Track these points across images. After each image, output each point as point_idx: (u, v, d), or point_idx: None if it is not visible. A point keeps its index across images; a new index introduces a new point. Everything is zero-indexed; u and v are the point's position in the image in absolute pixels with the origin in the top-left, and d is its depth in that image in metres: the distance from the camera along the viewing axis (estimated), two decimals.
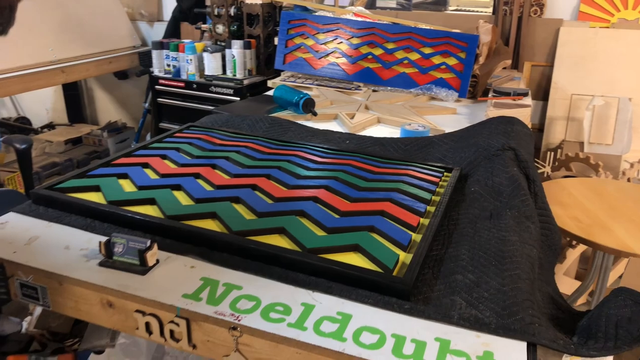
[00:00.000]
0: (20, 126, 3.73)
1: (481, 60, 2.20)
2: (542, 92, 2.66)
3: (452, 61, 2.16)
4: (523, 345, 0.75)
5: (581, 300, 2.03)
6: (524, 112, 1.77)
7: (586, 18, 2.53)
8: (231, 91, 2.58)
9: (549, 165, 2.44)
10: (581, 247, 2.09)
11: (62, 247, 0.98)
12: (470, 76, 2.12)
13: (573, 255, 2.10)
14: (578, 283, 2.08)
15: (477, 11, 3.51)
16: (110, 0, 3.26)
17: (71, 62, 2.83)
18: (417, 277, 0.87)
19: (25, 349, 1.11)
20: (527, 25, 2.58)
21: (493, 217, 1.11)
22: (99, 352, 1.07)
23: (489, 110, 1.82)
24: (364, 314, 0.81)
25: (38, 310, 1.18)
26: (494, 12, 2.72)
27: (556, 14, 2.59)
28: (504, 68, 2.43)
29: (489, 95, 2.09)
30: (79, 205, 1.09)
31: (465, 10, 3.56)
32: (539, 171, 2.43)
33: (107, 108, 3.91)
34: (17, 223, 1.07)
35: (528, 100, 1.98)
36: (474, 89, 2.18)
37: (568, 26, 2.54)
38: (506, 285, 0.87)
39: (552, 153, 2.54)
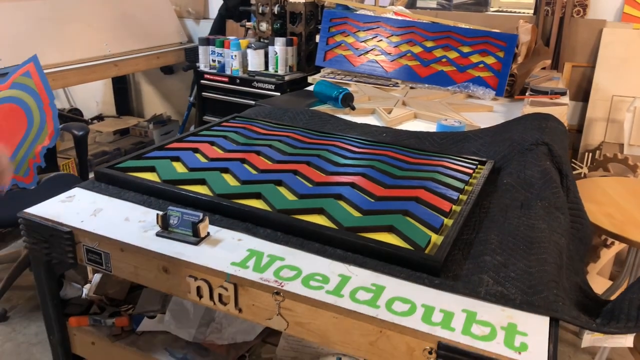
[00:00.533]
0: (73, 117, 3.95)
1: (520, 59, 2.22)
2: (582, 93, 2.64)
3: (490, 60, 2.18)
4: (546, 319, 0.80)
5: (613, 297, 2.02)
6: (560, 110, 1.79)
7: (630, 19, 2.50)
8: (272, 87, 2.68)
9: (586, 166, 2.43)
10: (616, 248, 2.08)
11: (123, 219, 1.09)
12: (508, 75, 2.15)
13: (607, 255, 2.09)
14: (611, 283, 2.07)
15: (519, 12, 3.49)
16: None
17: (123, 57, 2.99)
18: (447, 257, 0.93)
19: (86, 311, 1.23)
20: (569, 25, 2.57)
21: (524, 207, 1.15)
22: (152, 317, 1.17)
23: (525, 108, 1.84)
24: (396, 286, 0.88)
25: (96, 278, 1.29)
26: (535, 13, 2.71)
27: (599, 15, 2.57)
28: (543, 68, 2.43)
29: (527, 94, 2.11)
30: (136, 183, 1.19)
31: (507, 12, 3.55)
32: (576, 172, 2.42)
33: (152, 101, 4.09)
34: (83, 197, 1.18)
35: (565, 99, 1.99)
36: (511, 88, 2.20)
37: (611, 27, 2.51)
38: (533, 268, 0.92)
39: (590, 154, 2.52)
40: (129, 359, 1.18)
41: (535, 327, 0.78)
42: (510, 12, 3.52)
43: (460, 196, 1.19)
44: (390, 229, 1.02)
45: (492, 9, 3.66)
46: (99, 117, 4.05)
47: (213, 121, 2.96)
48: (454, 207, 1.13)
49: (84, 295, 1.28)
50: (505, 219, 1.10)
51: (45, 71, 2.23)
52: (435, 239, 1.00)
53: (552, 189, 1.20)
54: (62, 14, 2.76)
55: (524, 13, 3.39)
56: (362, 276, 0.90)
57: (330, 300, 0.84)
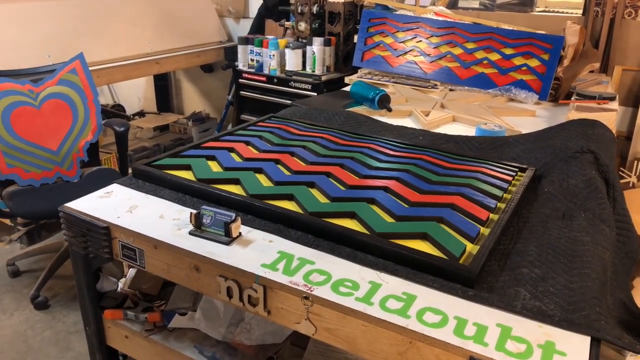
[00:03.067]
0: (116, 112, 4.07)
1: (565, 62, 2.14)
2: (632, 98, 2.52)
3: (534, 63, 2.11)
4: (586, 339, 0.76)
5: None
6: (609, 116, 1.71)
7: None
8: (309, 86, 2.68)
9: (635, 174, 2.32)
10: None
11: (157, 216, 1.10)
12: (552, 78, 2.07)
13: None
14: None
15: (566, 12, 3.37)
16: None
17: (165, 55, 3.06)
18: (483, 267, 0.90)
19: (120, 305, 1.26)
20: (619, 27, 2.45)
21: (565, 218, 1.10)
22: (183, 314, 1.18)
23: (570, 113, 1.77)
24: (428, 295, 0.85)
25: (131, 272, 1.32)
26: (584, 13, 2.61)
27: None
28: (591, 71, 2.34)
29: (572, 98, 2.03)
30: (172, 181, 1.21)
31: (553, 12, 3.43)
32: (624, 181, 2.31)
33: (192, 98, 4.16)
34: (120, 193, 1.21)
35: (614, 105, 1.90)
36: (556, 91, 2.12)
37: None
38: (574, 283, 0.87)
39: None
40: (159, 353, 1.20)
41: (574, 347, 0.74)
42: (557, 12, 3.40)
43: (499, 204, 1.15)
44: (424, 237, 1.00)
45: (537, 9, 3.55)
46: (140, 113, 4.16)
47: (250, 120, 3.00)
48: (491, 215, 1.10)
49: (119, 289, 1.31)
50: (545, 229, 1.05)
51: (90, 68, 2.30)
52: (471, 248, 0.97)
53: (597, 200, 1.15)
54: (108, 13, 2.84)
55: (571, 13, 3.27)
56: (393, 284, 0.89)
57: (359, 307, 0.82)
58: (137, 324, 1.22)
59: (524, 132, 1.68)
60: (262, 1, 3.22)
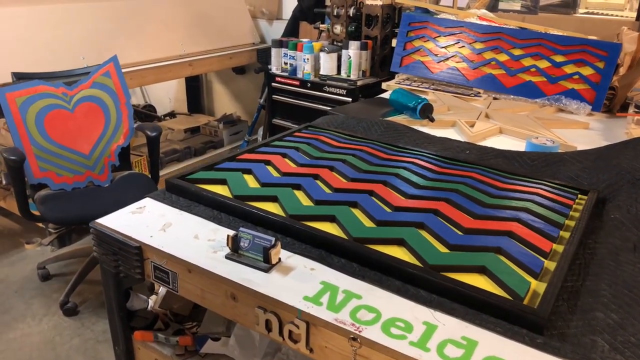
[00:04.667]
0: (147, 113, 4.07)
1: (621, 71, 2.00)
2: None
3: (587, 71, 1.98)
4: None
5: None
6: None
7: None
8: (344, 92, 2.59)
9: None
10: None
11: (192, 236, 1.04)
12: (607, 88, 1.94)
13: None
14: None
15: (611, 15, 3.20)
16: None
17: (197, 57, 3.02)
18: (552, 310, 0.80)
19: (151, 325, 1.20)
20: None
21: (637, 250, 0.99)
22: (216, 339, 1.12)
23: (630, 127, 1.64)
24: (491, 341, 0.76)
25: (163, 291, 1.27)
26: (638, 18, 2.45)
27: None
28: None
29: (630, 110, 1.89)
30: (207, 197, 1.14)
31: (597, 14, 3.26)
32: None
33: (223, 100, 4.13)
34: (153, 208, 1.15)
35: None
36: (610, 102, 1.99)
37: None
38: None
39: None
40: None
41: None
42: (600, 14, 3.23)
43: (561, 232, 1.05)
44: (482, 270, 0.91)
45: (580, 11, 3.38)
46: (171, 114, 4.15)
47: (283, 125, 2.94)
48: (554, 246, 0.99)
49: (149, 307, 1.25)
50: (617, 264, 0.95)
51: (123, 70, 2.27)
52: (535, 285, 0.88)
53: None
54: (141, 14, 2.82)
55: (617, 16, 3.11)
56: (450, 326, 0.80)
57: (414, 353, 0.74)
58: (168, 347, 1.17)
59: (579, 147, 1.56)
60: (296, 3, 3.15)
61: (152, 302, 1.26)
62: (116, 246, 1.05)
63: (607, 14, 3.19)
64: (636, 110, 1.84)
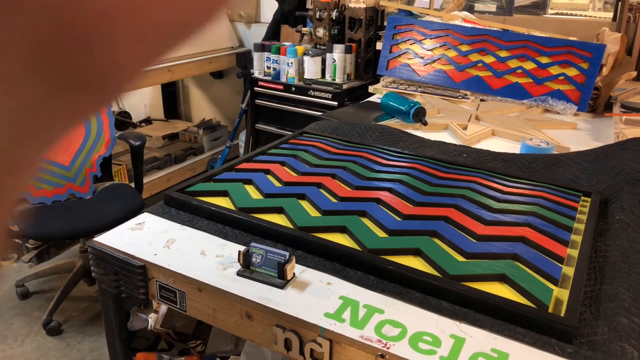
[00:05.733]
0: (122, 120, 3.95)
1: (605, 71, 2.04)
2: None
3: (572, 72, 2.01)
4: None
5: None
6: None
7: None
8: (330, 95, 2.57)
9: None
10: None
11: (198, 252, 1.00)
12: (592, 88, 1.97)
13: None
14: None
15: (576, 15, 3.29)
16: None
17: (176, 62, 2.95)
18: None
19: (153, 346, 1.15)
20: None
21: None
22: (224, 358, 1.08)
23: (620, 127, 1.67)
24: (521, 352, 0.75)
25: (163, 308, 1.21)
26: (614, 19, 2.51)
27: None
28: (626, 80, 2.24)
29: (615, 110, 1.93)
30: (211, 211, 1.10)
31: (563, 14, 3.34)
32: None
33: (201, 106, 4.05)
34: (153, 224, 1.10)
35: None
36: (594, 102, 2.02)
37: None
38: None
39: None
40: None
41: None
42: (567, 14, 3.32)
43: (572, 236, 1.05)
44: (502, 278, 0.89)
45: (550, 12, 3.46)
46: (147, 121, 4.05)
47: (266, 130, 2.90)
48: (568, 250, 0.99)
49: (150, 326, 1.20)
50: (630, 266, 0.95)
51: None
52: (557, 292, 0.87)
53: None
54: None
55: (580, 16, 3.19)
56: (477, 338, 0.78)
57: None
58: None
59: (572, 147, 1.58)
60: (277, 6, 3.11)
61: (152, 320, 1.20)
62: (117, 266, 1.00)
63: (573, 14, 3.28)
64: (622, 109, 1.87)
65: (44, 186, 2.01)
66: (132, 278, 0.99)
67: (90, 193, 2.10)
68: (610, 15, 2.69)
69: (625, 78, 2.15)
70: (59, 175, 2.05)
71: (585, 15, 3.26)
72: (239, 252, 0.93)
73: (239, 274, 0.93)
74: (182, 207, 1.15)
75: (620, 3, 2.44)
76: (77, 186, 2.08)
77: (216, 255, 0.99)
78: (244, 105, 3.08)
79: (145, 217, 1.13)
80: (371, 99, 2.23)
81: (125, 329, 1.10)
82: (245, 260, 0.93)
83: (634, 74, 2.18)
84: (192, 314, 0.96)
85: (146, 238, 1.05)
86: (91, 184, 2.10)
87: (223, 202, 1.15)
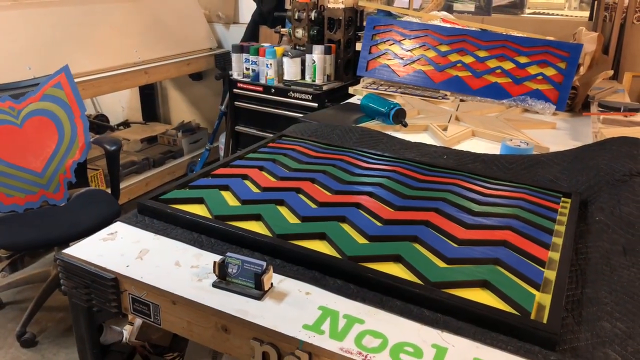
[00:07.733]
0: (100, 123, 3.87)
1: (582, 71, 2.05)
2: None
3: (550, 72, 2.02)
4: None
5: None
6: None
7: None
8: (310, 97, 2.54)
9: None
10: None
11: (173, 263, 0.96)
12: (570, 88, 1.98)
13: None
14: None
15: (552, 14, 3.32)
16: (190, 3, 3.31)
17: (153, 64, 2.89)
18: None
19: None
20: (630, 32, 2.38)
21: (628, 253, 0.99)
22: None
23: (597, 126, 1.68)
24: None
25: (139, 321, 1.17)
26: (591, 18, 2.53)
27: None
28: (603, 79, 2.26)
29: (592, 109, 1.94)
30: (185, 219, 1.07)
31: (540, 14, 3.37)
32: None
33: (180, 108, 3.99)
34: (126, 234, 1.06)
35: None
36: (572, 101, 2.03)
37: None
38: None
39: None
40: None
41: None
42: (544, 13, 3.35)
43: (553, 239, 1.04)
44: (484, 285, 0.88)
45: (527, 11, 3.49)
46: (125, 124, 3.97)
47: (246, 132, 2.86)
48: (550, 253, 0.98)
49: (124, 339, 1.16)
50: (611, 269, 0.94)
51: (76, 80, 2.13)
52: (539, 297, 0.86)
53: None
54: (91, 20, 2.66)
55: (556, 15, 3.22)
56: (460, 347, 0.76)
57: None
58: None
59: (551, 147, 1.58)
60: (255, 6, 3.07)
61: (127, 333, 1.16)
62: (88, 279, 0.96)
63: (550, 13, 3.30)
64: (600, 109, 1.88)
65: (15, 194, 1.94)
66: (104, 291, 0.95)
67: (65, 200, 2.04)
68: (587, 14, 2.71)
69: (602, 77, 2.16)
70: (31, 182, 1.99)
71: (562, 15, 3.29)
72: (215, 262, 0.90)
73: (214, 285, 0.89)
74: (157, 215, 1.11)
75: (596, 2, 2.47)
76: (50, 193, 2.02)
77: (191, 265, 0.96)
78: (223, 107, 3.03)
79: (118, 227, 1.09)
80: (351, 100, 2.21)
81: (98, 344, 1.06)
82: (221, 271, 0.90)
83: (611, 72, 2.20)
84: (166, 327, 0.93)
85: (118, 249, 1.01)
86: (65, 191, 2.04)
87: (199, 209, 1.12)
